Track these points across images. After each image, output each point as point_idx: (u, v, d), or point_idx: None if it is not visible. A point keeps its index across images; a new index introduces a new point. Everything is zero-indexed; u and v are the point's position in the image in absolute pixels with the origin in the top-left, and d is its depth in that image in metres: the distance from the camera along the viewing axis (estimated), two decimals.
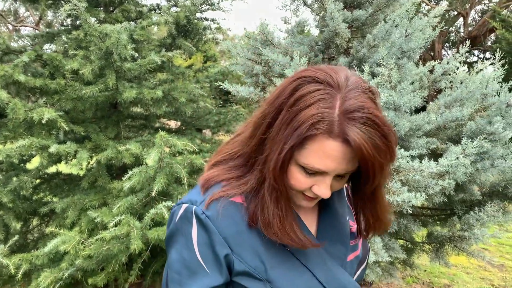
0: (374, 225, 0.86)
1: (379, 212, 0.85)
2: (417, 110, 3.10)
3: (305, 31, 4.09)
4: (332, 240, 0.88)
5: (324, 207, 0.90)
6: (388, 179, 0.88)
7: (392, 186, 2.24)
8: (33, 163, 3.73)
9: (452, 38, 20.79)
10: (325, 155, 0.71)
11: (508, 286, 3.89)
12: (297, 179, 0.76)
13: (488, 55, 18.67)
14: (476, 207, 2.71)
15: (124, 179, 2.75)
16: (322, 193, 0.76)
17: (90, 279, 2.83)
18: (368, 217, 0.85)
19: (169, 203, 2.66)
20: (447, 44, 20.27)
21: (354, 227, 0.93)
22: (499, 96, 2.66)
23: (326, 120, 0.70)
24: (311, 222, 0.89)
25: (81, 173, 3.68)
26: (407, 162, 2.30)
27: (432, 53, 17.23)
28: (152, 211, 2.63)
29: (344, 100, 0.70)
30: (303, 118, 0.71)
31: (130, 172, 2.78)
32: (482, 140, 2.42)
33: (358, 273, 0.95)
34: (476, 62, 20.44)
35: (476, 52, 19.58)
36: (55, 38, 3.75)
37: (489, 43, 18.26)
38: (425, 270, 4.17)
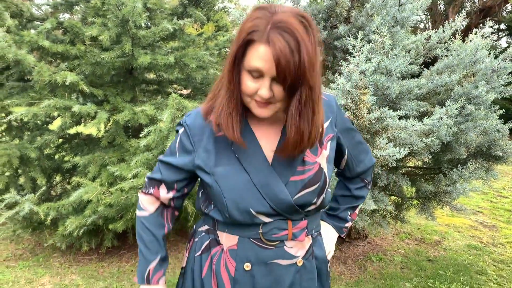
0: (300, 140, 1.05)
1: (303, 128, 1.03)
2: (414, 77, 3.31)
3: (310, 0, 4.26)
4: (281, 160, 1.12)
5: (284, 135, 1.13)
6: (316, 105, 1.02)
7: (380, 142, 2.49)
8: (54, 125, 4.05)
9: (467, 8, 20.41)
10: (259, 56, 0.96)
11: (496, 243, 4.17)
12: (246, 84, 1.01)
13: (502, 26, 18.38)
14: (460, 165, 2.96)
15: (141, 135, 3.04)
16: (263, 93, 0.99)
17: (111, 225, 3.17)
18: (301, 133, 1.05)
19: None
20: (461, 14, 19.96)
21: (310, 158, 1.14)
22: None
23: (259, 30, 0.95)
24: (272, 143, 1.14)
25: (100, 134, 3.99)
26: (394, 121, 2.55)
27: (446, 23, 17.05)
28: None
29: (275, 17, 0.96)
30: (243, 29, 0.99)
31: (146, 130, 3.07)
32: (464, 102, 2.65)
33: (301, 193, 1.12)
34: (492, 33, 20.11)
35: (490, 22, 19.29)
36: (74, 6, 3.99)
37: (504, 14, 17.93)
38: (418, 228, 4.46)
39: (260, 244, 1.13)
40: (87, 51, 3.50)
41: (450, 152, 3.06)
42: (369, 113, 2.58)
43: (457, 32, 3.49)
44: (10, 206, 3.31)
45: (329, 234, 1.37)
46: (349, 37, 2.99)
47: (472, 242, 4.17)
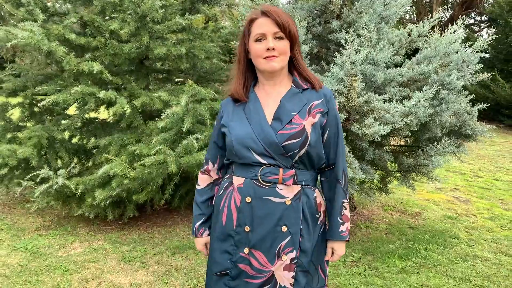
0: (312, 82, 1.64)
1: (303, 73, 1.65)
2: (397, 66, 3.80)
3: None
4: (275, 118, 1.58)
5: (281, 105, 1.58)
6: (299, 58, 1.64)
7: (367, 122, 2.98)
8: (71, 111, 4.45)
9: (450, 0, 20.99)
10: (260, 25, 1.55)
11: (469, 214, 4.72)
12: (255, 48, 1.55)
13: (484, 18, 19.01)
14: (436, 143, 3.47)
15: (162, 117, 3.47)
16: (269, 44, 1.52)
17: (134, 196, 3.61)
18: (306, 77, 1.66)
19: (198, 135, 3.41)
20: (445, 6, 20.55)
21: (297, 120, 1.55)
22: (457, 53, 3.35)
23: (255, 14, 1.57)
24: (272, 110, 1.60)
25: (111, 119, 4.41)
26: (380, 104, 3.03)
27: (430, 15, 17.62)
28: (184, 142, 3.39)
29: (264, 7, 1.54)
30: (245, 21, 1.59)
31: (166, 112, 3.50)
32: (439, 88, 3.15)
33: (286, 142, 1.55)
34: (472, 24, 20.78)
35: (473, 14, 19.91)
36: (91, 1, 4.37)
37: (485, 5, 18.57)
38: (401, 202, 5.00)
39: (258, 184, 1.57)
40: (107, 43, 3.90)
41: (427, 131, 3.57)
42: (358, 97, 3.07)
43: (435, 26, 3.98)
44: (42, 182, 3.73)
45: (333, 245, 1.68)
46: (341, 31, 3.46)
47: (448, 213, 4.71)
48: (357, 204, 4.57)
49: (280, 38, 1.54)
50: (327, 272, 1.71)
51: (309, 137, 1.55)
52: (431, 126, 3.49)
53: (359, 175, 3.05)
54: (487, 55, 3.43)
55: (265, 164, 1.56)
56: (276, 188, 1.56)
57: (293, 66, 1.65)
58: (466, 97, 3.60)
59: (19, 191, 4.07)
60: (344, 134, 3.01)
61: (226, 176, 1.73)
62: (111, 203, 3.76)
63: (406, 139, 3.81)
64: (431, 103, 3.21)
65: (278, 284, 1.55)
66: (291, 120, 1.56)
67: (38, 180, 3.60)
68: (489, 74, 3.54)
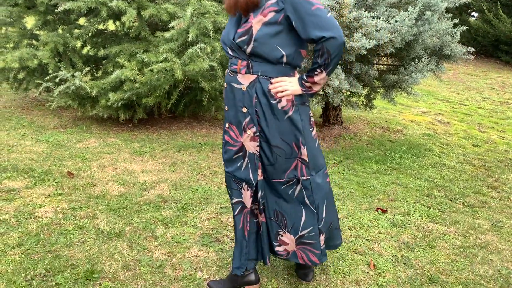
0: None
1: None
2: None
3: None
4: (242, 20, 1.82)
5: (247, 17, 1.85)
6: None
7: (356, 36, 3.32)
8: (80, 22, 4.73)
9: None
10: None
11: (446, 133, 5.18)
12: None
13: None
14: (417, 60, 3.83)
15: (170, 25, 3.78)
16: None
17: (144, 99, 4.03)
18: None
19: (201, 45, 3.75)
20: None
21: (250, 19, 1.78)
22: None
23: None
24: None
25: (122, 30, 4.70)
26: (368, 21, 3.34)
27: None
28: (190, 50, 3.74)
29: None
30: None
31: (172, 23, 3.81)
32: (423, 8, 3.44)
33: (239, 39, 1.81)
34: None
35: None
36: None
37: None
38: (386, 121, 5.44)
39: (229, 73, 1.96)
40: None
41: (412, 51, 3.90)
42: (350, 13, 3.37)
43: None
44: (59, 84, 4.12)
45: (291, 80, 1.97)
46: None
47: (428, 132, 5.18)
48: (344, 119, 5.01)
49: None
50: (305, 147, 2.06)
51: (254, 35, 1.80)
52: (415, 46, 3.82)
53: (345, 86, 3.44)
54: None
55: (232, 56, 1.93)
56: (237, 76, 1.92)
57: None
58: (448, 19, 3.90)
59: (39, 91, 4.46)
60: None
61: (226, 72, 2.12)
62: (123, 105, 4.18)
63: (392, 58, 4.16)
64: (415, 23, 3.53)
65: (247, 151, 1.98)
66: (247, 20, 1.83)
67: (56, 81, 4.00)
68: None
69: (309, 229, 2.01)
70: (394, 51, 3.64)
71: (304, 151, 1.94)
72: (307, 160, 1.95)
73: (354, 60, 3.53)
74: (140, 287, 2.08)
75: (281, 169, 1.96)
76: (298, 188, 1.98)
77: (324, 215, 2.04)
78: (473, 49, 3.98)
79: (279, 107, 1.88)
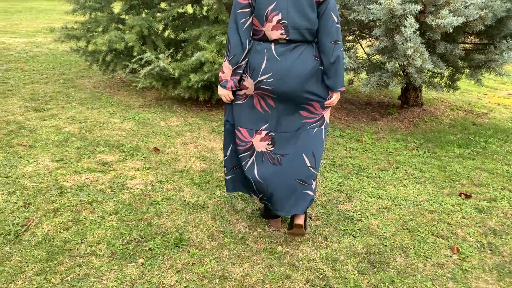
0: None
1: None
2: None
3: None
4: None
5: None
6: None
7: (442, 13, 3.16)
8: (162, 5, 4.94)
9: None
10: None
11: None
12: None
13: None
14: (510, 38, 3.57)
15: None
16: None
17: None
18: None
19: None
20: None
21: None
22: None
23: None
24: None
25: (201, 14, 4.84)
26: None
27: None
28: None
29: None
30: None
31: None
32: None
33: None
34: None
35: None
36: None
37: None
38: (469, 103, 5.15)
39: None
40: None
41: (503, 28, 3.64)
42: None
43: None
44: (144, 66, 4.37)
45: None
46: None
47: None
48: (424, 101, 4.81)
49: None
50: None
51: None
52: (508, 22, 3.56)
53: (428, 65, 3.31)
54: None
55: None
56: None
57: None
58: None
59: (126, 73, 4.76)
60: (417, 26, 3.22)
61: None
62: (202, 86, 4.34)
63: (480, 37, 3.91)
64: None
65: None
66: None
67: (142, 63, 4.24)
68: None
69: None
70: (483, 28, 3.42)
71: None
72: None
73: (439, 38, 3.37)
74: (225, 256, 2.20)
75: None
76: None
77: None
78: None
79: None
